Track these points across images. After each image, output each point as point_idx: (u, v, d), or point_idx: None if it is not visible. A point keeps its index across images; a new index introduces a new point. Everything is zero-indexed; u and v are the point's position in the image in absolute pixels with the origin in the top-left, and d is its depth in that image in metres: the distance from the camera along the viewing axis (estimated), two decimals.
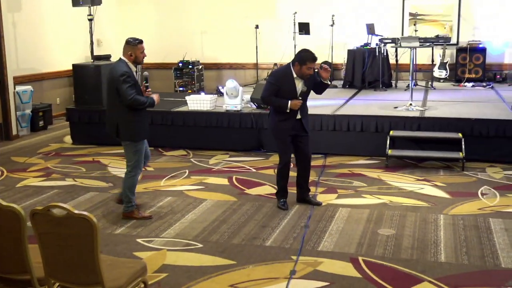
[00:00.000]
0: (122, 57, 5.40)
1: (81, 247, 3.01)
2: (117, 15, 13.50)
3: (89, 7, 9.36)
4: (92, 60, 9.54)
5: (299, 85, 5.60)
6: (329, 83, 5.74)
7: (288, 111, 5.55)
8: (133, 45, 5.39)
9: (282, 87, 5.58)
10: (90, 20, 9.34)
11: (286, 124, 5.67)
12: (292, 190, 6.05)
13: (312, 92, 5.87)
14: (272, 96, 5.64)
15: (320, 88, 5.82)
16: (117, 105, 5.37)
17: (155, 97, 5.55)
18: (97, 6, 9.52)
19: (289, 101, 5.52)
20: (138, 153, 5.51)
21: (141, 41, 5.48)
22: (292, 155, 5.89)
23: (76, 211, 2.95)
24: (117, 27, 13.43)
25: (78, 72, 9.26)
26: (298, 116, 5.69)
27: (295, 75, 5.56)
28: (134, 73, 5.41)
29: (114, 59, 11.99)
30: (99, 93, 9.08)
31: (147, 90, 5.60)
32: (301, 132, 5.74)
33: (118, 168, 7.63)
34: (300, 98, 5.59)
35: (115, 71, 5.31)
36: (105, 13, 12.48)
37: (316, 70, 5.72)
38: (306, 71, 5.48)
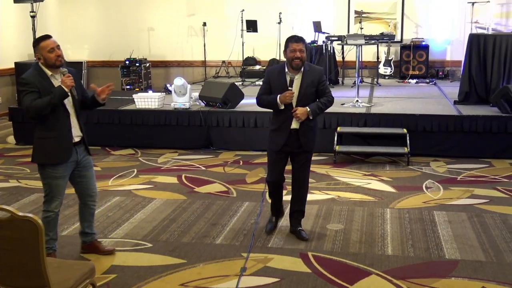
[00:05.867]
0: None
1: (26, 250, 2.93)
2: (60, 12, 13.19)
3: (31, 3, 9.11)
4: (35, 58, 9.28)
5: (294, 83, 4.69)
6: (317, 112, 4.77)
7: (281, 107, 4.70)
8: (35, 46, 4.25)
9: (272, 83, 4.79)
10: (33, 17, 9.09)
11: (279, 135, 4.80)
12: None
13: None
14: (264, 95, 4.84)
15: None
16: None
17: (62, 83, 4.17)
18: (39, 2, 9.28)
19: (278, 95, 4.68)
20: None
21: (44, 37, 4.27)
22: None
23: (20, 213, 2.87)
24: (61, 25, 13.13)
25: (21, 71, 9.03)
26: (294, 125, 4.75)
27: (287, 69, 4.73)
28: (50, 78, 4.25)
29: None
30: None
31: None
32: (296, 148, 4.83)
33: None
34: (290, 88, 4.66)
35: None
36: (48, 10, 12.20)
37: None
38: (290, 54, 4.64)
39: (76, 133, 4.37)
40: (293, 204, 5.07)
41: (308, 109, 4.66)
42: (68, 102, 4.30)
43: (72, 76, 4.26)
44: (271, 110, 4.89)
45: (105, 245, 4.77)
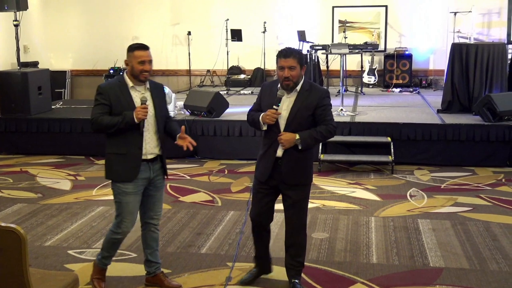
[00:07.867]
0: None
1: (9, 261, 2.90)
2: (44, 21, 13.12)
3: (14, 12, 9.05)
4: (18, 67, 9.22)
5: (285, 103, 3.94)
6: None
7: (263, 128, 3.97)
8: (128, 51, 4.13)
9: (263, 99, 4.07)
10: (16, 25, 9.04)
11: (264, 162, 4.06)
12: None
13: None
14: (253, 111, 4.14)
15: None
16: None
17: (135, 112, 3.90)
18: (23, 11, 9.22)
19: (262, 114, 3.96)
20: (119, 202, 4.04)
21: (141, 47, 4.15)
22: None
23: (2, 224, 2.84)
24: (44, 33, 13.06)
25: (4, 80, 8.93)
26: (279, 153, 3.95)
27: (280, 86, 3.98)
28: (129, 90, 4.04)
29: (41, 66, 11.66)
30: (27, 101, 8.80)
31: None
32: (282, 184, 4.05)
33: (47, 178, 7.40)
34: (275, 107, 3.87)
35: None
36: (32, 18, 12.13)
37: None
38: (279, 73, 3.90)
39: (151, 150, 4.04)
40: (286, 254, 4.23)
41: (297, 137, 3.85)
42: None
43: (157, 94, 4.12)
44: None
45: (171, 280, 4.27)
